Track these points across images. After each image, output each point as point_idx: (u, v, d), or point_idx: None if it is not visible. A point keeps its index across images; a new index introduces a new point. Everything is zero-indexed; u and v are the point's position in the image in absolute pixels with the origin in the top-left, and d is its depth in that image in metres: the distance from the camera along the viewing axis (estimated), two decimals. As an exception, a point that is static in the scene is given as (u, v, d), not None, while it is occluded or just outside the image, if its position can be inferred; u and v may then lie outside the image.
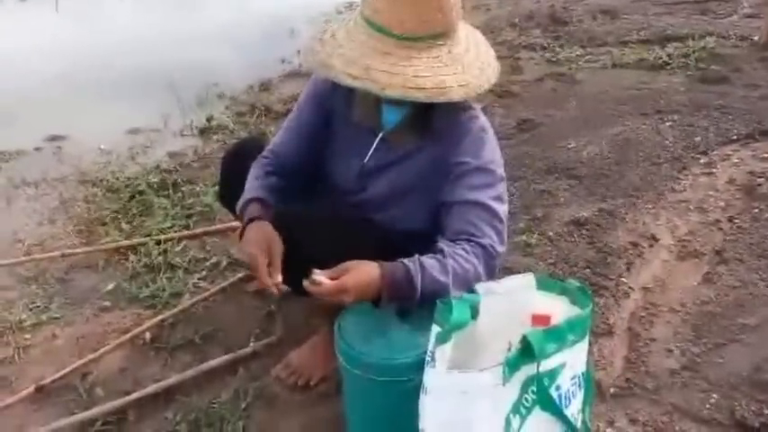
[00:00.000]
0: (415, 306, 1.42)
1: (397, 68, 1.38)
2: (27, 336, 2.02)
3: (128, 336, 1.96)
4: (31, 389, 1.79)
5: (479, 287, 1.41)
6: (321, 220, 1.55)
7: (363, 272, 1.39)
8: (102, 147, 3.28)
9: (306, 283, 1.40)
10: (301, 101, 1.74)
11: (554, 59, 4.18)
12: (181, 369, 1.85)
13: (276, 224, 1.56)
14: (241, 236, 1.57)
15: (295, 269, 1.48)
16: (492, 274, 1.47)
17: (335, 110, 1.68)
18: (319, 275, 1.38)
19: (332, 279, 1.37)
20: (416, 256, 1.42)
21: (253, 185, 1.65)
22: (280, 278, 1.48)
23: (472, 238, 1.46)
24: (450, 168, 1.53)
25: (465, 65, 1.44)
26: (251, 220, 1.56)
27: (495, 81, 1.50)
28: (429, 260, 1.41)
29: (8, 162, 3.22)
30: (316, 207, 1.67)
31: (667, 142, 3.03)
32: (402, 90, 1.37)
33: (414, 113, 1.55)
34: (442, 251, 1.44)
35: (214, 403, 1.74)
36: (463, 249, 1.44)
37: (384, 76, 1.37)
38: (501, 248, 1.49)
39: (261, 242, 1.50)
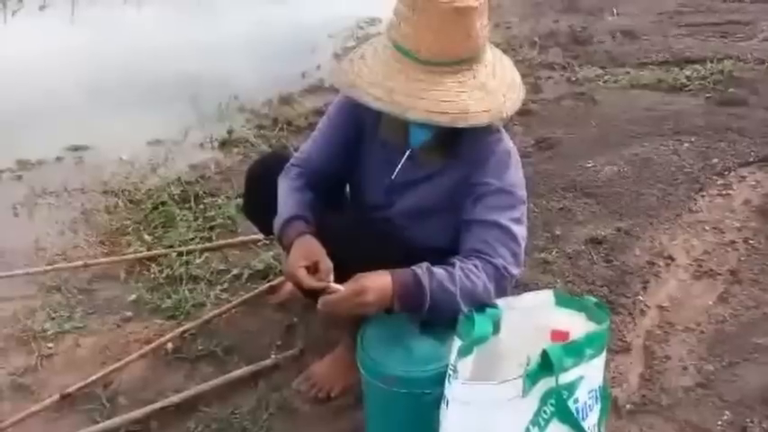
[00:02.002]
0: (426, 314, 1.44)
1: (422, 92, 1.40)
2: (50, 344, 2.05)
3: (150, 346, 1.99)
4: (56, 397, 1.81)
5: (500, 302, 1.44)
6: (351, 231, 1.58)
7: (376, 276, 1.41)
8: (123, 157, 3.31)
9: (321, 301, 1.43)
10: (332, 111, 1.76)
11: (573, 79, 4.20)
12: (202, 380, 1.87)
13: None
14: (288, 251, 1.58)
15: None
16: (502, 294, 1.48)
17: (365, 124, 1.71)
18: (335, 285, 1.41)
19: None
20: (424, 263, 1.45)
21: (292, 200, 1.65)
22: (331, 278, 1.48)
23: (485, 257, 1.48)
24: (472, 188, 1.55)
25: (489, 90, 1.46)
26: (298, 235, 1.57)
27: (519, 106, 1.52)
28: (437, 269, 1.44)
29: (30, 171, 3.25)
30: (345, 218, 1.70)
31: (685, 163, 3.05)
32: (425, 114, 1.40)
33: (441, 134, 1.58)
34: (452, 264, 1.46)
35: (235, 414, 1.76)
36: (474, 265, 1.46)
37: (408, 100, 1.40)
38: (515, 270, 1.50)
39: (307, 258, 1.51)
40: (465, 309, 1.43)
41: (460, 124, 1.42)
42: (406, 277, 1.42)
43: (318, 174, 1.73)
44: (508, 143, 1.60)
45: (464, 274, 1.44)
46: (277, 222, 1.64)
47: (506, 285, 1.49)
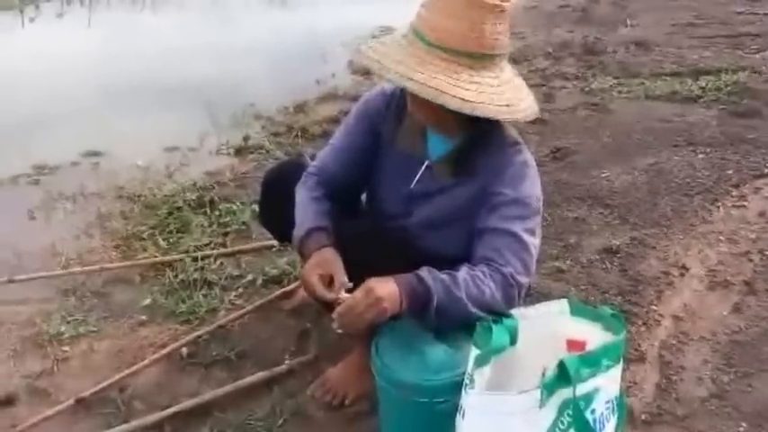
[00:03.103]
0: (433, 317, 1.44)
1: (433, 74, 1.40)
2: (65, 348, 2.06)
3: (165, 351, 2.00)
4: (71, 401, 1.82)
5: (514, 311, 1.44)
6: (366, 238, 1.59)
7: (383, 283, 1.42)
8: (139, 163, 3.34)
9: (335, 315, 1.44)
10: (350, 120, 1.77)
11: (587, 89, 4.20)
12: (216, 385, 1.88)
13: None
14: (305, 260, 1.61)
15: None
16: (510, 302, 1.48)
17: (383, 134, 1.72)
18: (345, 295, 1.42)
19: None
20: (425, 267, 1.46)
21: (311, 211, 1.67)
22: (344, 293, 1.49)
23: (494, 264, 1.48)
24: (488, 197, 1.55)
25: (501, 90, 1.45)
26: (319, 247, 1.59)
27: (528, 118, 1.50)
28: (441, 273, 1.44)
29: (46, 176, 3.29)
30: (360, 225, 1.70)
31: (699, 174, 3.04)
32: (434, 92, 1.38)
33: (459, 148, 1.59)
34: (457, 269, 1.46)
35: (250, 420, 1.76)
36: (481, 272, 1.46)
37: (420, 77, 1.39)
38: (523, 279, 1.50)
39: (323, 269, 1.53)
40: (473, 313, 1.43)
41: (466, 111, 1.39)
42: (411, 279, 1.43)
43: (335, 182, 1.74)
44: (526, 154, 1.60)
45: (470, 280, 1.44)
46: (297, 233, 1.65)
47: (514, 294, 1.48)
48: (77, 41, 5.92)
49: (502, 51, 1.46)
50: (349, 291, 1.47)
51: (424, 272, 1.44)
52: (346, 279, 1.50)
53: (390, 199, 1.72)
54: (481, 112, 1.41)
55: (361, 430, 1.73)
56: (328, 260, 1.55)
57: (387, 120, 1.70)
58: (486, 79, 1.43)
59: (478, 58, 1.42)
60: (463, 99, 1.38)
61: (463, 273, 1.45)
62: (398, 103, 1.66)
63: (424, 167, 1.64)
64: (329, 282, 1.51)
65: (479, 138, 1.57)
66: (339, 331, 1.48)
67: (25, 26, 6.34)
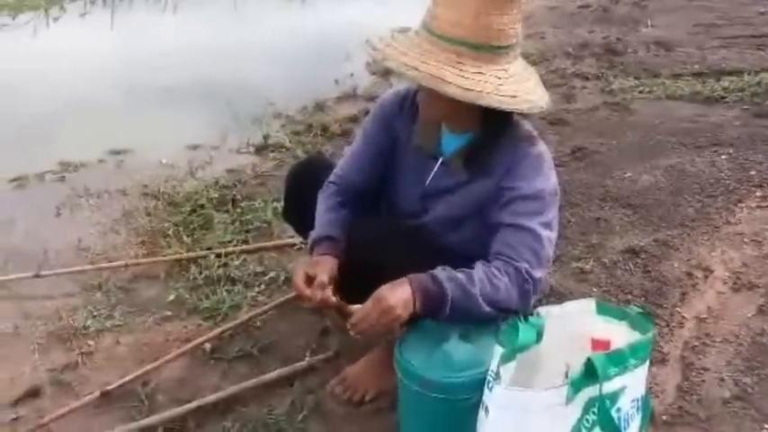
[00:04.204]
0: (447, 315, 1.45)
1: (440, 66, 1.41)
2: (90, 342, 2.09)
3: (189, 345, 2.02)
4: (96, 394, 1.85)
5: (540, 310, 1.44)
6: (384, 237, 1.60)
7: (395, 287, 1.43)
8: (162, 161, 3.38)
9: (349, 327, 1.46)
10: (367, 125, 1.79)
11: (608, 89, 4.17)
12: (239, 380, 1.90)
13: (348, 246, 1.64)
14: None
15: (360, 286, 1.53)
16: (526, 298, 1.48)
17: (399, 135, 1.73)
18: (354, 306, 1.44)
19: None
20: (440, 266, 1.46)
21: (324, 220, 1.71)
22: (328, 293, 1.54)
23: (508, 260, 1.48)
24: (501, 192, 1.55)
25: (508, 82, 1.45)
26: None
27: (537, 110, 1.50)
28: (457, 272, 1.45)
29: (72, 173, 3.34)
30: (378, 224, 1.72)
31: (722, 175, 3.01)
32: (437, 82, 1.39)
33: (472, 143, 1.59)
34: (472, 267, 1.47)
35: (271, 415, 1.78)
36: (496, 268, 1.47)
37: (424, 67, 1.40)
38: (538, 274, 1.49)
39: (310, 269, 1.59)
40: (488, 311, 1.44)
41: (469, 100, 1.39)
42: (425, 281, 1.44)
43: (356, 189, 1.77)
44: (541, 147, 1.59)
45: (486, 277, 1.44)
46: (309, 240, 1.71)
47: (529, 289, 1.48)
48: (101, 41, 5.98)
49: (509, 43, 1.45)
50: (355, 300, 1.48)
51: (440, 271, 1.45)
52: (325, 279, 1.55)
53: (406, 197, 1.73)
54: (484, 101, 1.40)
55: (380, 426, 1.74)
56: (318, 262, 1.60)
57: (401, 120, 1.71)
58: (493, 70, 1.43)
59: (485, 49, 1.42)
60: (466, 88, 1.39)
61: (479, 270, 1.46)
62: (412, 103, 1.67)
63: (438, 164, 1.65)
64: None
65: (492, 133, 1.57)
66: (357, 337, 1.50)
67: (50, 26, 6.42)
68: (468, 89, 1.39)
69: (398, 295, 1.42)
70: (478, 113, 1.51)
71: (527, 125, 1.62)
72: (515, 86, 1.45)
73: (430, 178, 1.67)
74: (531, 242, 1.49)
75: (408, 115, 1.70)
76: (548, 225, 1.53)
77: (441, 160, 1.65)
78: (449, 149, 1.63)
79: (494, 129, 1.56)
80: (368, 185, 1.77)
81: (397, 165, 1.75)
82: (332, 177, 1.80)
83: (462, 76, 1.39)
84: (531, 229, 1.50)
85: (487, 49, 1.42)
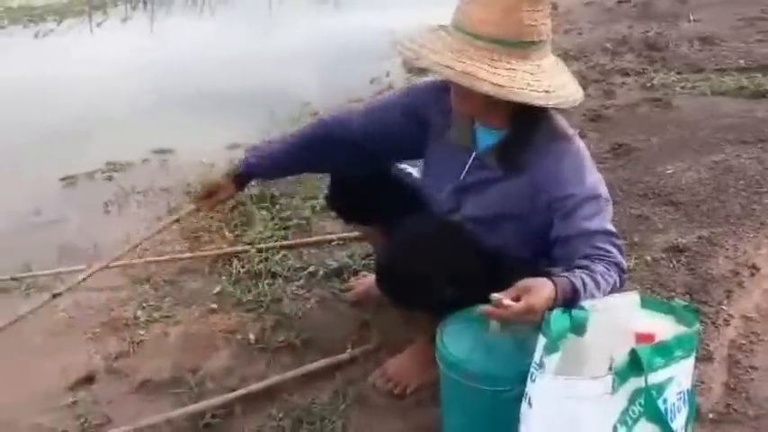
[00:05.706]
0: None
1: (472, 63, 1.42)
2: (141, 332, 2.15)
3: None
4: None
5: (585, 303, 1.43)
6: (435, 239, 1.59)
7: (542, 290, 1.35)
8: (204, 160, 3.45)
9: (483, 308, 1.36)
10: (395, 95, 1.83)
11: (648, 85, 4.12)
12: (282, 370, 1.93)
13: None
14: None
15: (398, 281, 1.56)
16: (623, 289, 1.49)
17: (431, 124, 1.74)
18: (499, 296, 1.34)
19: (513, 300, 1.34)
20: (577, 272, 1.42)
21: (284, 138, 1.93)
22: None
23: (605, 258, 1.48)
24: (557, 203, 1.54)
25: (538, 78, 1.45)
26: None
27: (569, 105, 1.50)
28: (587, 277, 1.41)
29: (119, 172, 3.48)
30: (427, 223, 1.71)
31: (769, 171, 2.95)
32: (470, 79, 1.40)
33: (507, 139, 1.59)
34: (587, 267, 1.44)
35: (315, 403, 1.81)
36: (605, 267, 1.46)
37: (457, 65, 1.41)
38: (625, 264, 1.52)
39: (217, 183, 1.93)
40: None
41: (502, 96, 1.40)
42: (567, 287, 1.38)
43: (347, 142, 1.80)
44: (578, 142, 1.59)
45: (604, 281, 1.43)
46: (247, 152, 1.93)
47: (625, 280, 1.51)
48: (142, 45, 6.13)
49: (540, 39, 1.46)
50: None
51: (577, 281, 1.39)
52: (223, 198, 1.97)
53: (441, 192, 1.73)
54: (517, 97, 1.41)
55: (422, 419, 1.75)
56: (223, 188, 1.93)
57: (435, 113, 1.71)
58: (525, 66, 1.44)
59: (516, 45, 1.43)
60: (498, 85, 1.39)
61: (599, 274, 1.43)
62: (447, 94, 1.67)
63: (471, 159, 1.66)
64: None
65: (526, 129, 1.57)
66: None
67: (93, 30, 6.59)
68: (500, 85, 1.40)
69: (545, 297, 1.35)
70: (511, 110, 1.51)
71: (563, 122, 1.62)
72: (548, 82, 1.45)
73: (464, 173, 1.67)
74: (611, 240, 1.50)
75: (443, 108, 1.69)
76: (611, 221, 1.55)
77: (474, 155, 1.66)
78: (483, 145, 1.64)
79: (527, 125, 1.56)
80: (363, 146, 1.79)
81: (432, 159, 1.77)
82: (328, 117, 1.88)
83: (495, 73, 1.40)
84: (605, 230, 1.51)
85: (519, 46, 1.43)
